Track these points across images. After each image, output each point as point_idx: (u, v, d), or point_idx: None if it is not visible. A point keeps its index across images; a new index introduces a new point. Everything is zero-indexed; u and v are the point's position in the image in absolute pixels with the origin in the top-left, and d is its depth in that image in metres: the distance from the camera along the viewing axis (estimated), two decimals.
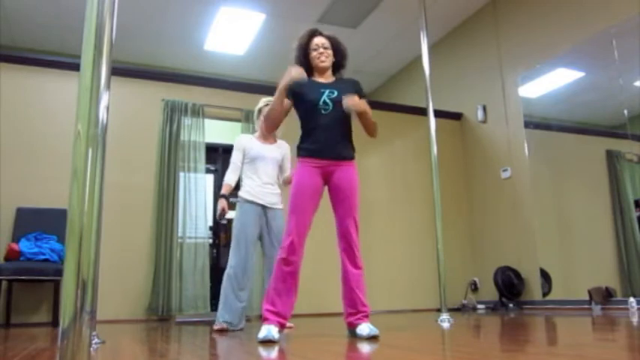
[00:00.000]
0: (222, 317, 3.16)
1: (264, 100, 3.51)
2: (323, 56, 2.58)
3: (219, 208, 3.36)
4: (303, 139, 2.53)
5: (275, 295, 2.36)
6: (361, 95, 2.56)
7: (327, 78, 2.62)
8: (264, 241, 3.37)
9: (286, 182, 3.45)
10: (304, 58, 2.61)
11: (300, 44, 2.63)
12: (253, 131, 3.91)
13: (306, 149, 2.49)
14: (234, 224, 3.35)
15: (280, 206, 3.44)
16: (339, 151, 2.49)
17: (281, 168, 3.51)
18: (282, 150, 3.52)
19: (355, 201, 2.49)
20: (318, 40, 2.61)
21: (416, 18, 5.92)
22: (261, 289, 3.27)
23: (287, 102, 2.54)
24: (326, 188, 2.54)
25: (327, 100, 2.48)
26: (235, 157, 3.44)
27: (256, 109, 3.56)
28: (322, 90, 2.51)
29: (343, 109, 2.45)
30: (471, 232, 6.04)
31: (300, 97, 2.53)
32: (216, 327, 3.15)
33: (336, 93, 2.51)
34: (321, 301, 4.99)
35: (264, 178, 3.38)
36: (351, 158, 2.54)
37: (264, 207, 3.35)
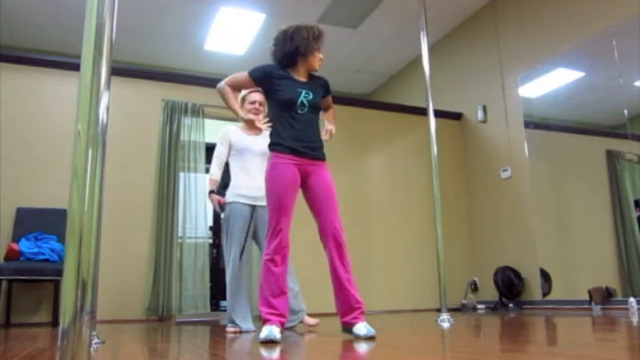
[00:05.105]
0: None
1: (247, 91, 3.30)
2: (320, 62, 2.61)
3: (214, 204, 3.27)
4: (279, 135, 2.48)
5: (270, 297, 2.36)
6: (329, 95, 2.71)
7: (302, 76, 2.59)
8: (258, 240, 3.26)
9: None
10: (297, 47, 2.51)
11: (309, 37, 2.53)
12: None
13: (284, 146, 2.46)
14: (223, 226, 3.23)
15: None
16: (315, 151, 2.51)
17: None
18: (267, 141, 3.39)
19: (336, 198, 2.50)
20: (322, 45, 2.60)
21: (416, 18, 5.91)
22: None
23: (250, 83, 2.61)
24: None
25: (305, 102, 2.50)
26: (219, 151, 3.27)
27: (240, 97, 3.32)
28: (300, 90, 2.51)
29: (317, 112, 2.57)
30: (471, 232, 6.04)
31: (277, 93, 2.50)
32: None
33: (311, 95, 2.53)
34: (321, 301, 4.99)
35: (256, 172, 3.22)
36: (325, 158, 2.56)
37: (253, 207, 3.20)
